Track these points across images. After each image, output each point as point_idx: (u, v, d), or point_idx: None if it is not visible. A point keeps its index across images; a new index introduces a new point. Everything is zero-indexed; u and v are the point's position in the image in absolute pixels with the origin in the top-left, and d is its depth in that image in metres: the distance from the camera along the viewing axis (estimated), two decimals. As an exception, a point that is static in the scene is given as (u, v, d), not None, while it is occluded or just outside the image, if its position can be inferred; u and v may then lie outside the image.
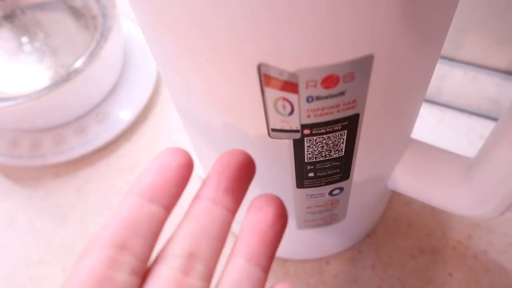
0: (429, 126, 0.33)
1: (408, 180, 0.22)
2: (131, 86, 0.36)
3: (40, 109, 0.31)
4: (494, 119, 0.33)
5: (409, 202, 0.30)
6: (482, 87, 0.33)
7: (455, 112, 0.34)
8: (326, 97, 0.14)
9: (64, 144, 0.34)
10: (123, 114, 0.35)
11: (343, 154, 0.17)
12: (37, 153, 0.34)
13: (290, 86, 0.13)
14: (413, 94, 0.16)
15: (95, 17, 0.34)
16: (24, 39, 0.35)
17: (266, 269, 0.14)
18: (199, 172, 0.33)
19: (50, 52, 0.34)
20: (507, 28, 0.31)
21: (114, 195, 0.33)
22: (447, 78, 0.34)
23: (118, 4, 0.34)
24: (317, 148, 0.16)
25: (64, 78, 0.31)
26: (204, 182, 0.15)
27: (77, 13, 0.35)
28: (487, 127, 0.32)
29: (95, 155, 0.35)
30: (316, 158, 0.17)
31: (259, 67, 0.13)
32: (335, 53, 0.12)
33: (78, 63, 0.32)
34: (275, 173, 0.18)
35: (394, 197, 0.30)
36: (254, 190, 0.20)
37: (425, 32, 0.13)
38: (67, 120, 0.34)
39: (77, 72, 0.31)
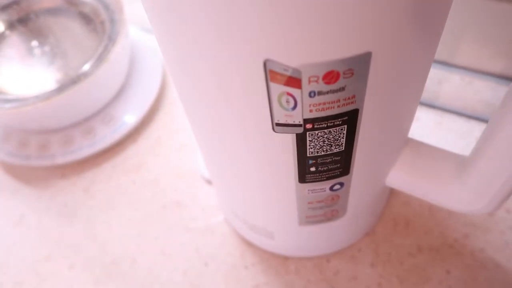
0: (428, 129, 0.34)
1: (405, 177, 0.23)
2: (137, 89, 0.37)
3: (49, 110, 0.32)
4: (490, 122, 0.33)
5: (407, 202, 0.31)
6: (478, 91, 0.34)
7: (453, 116, 0.34)
8: (327, 92, 0.14)
9: (72, 145, 0.35)
10: (129, 116, 0.36)
11: (343, 149, 0.18)
12: (46, 153, 0.35)
13: (293, 81, 0.14)
14: (410, 90, 0.17)
15: (104, 22, 0.35)
16: (34, 43, 0.36)
17: None
18: (203, 173, 0.34)
19: (60, 55, 0.35)
20: (502, 34, 0.32)
21: (120, 194, 0.34)
22: (444, 83, 0.35)
23: (126, 10, 0.35)
24: (319, 143, 0.17)
25: (73, 80, 0.32)
26: None
27: (87, 18, 0.36)
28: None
29: (101, 155, 0.36)
30: (317, 152, 0.18)
31: (265, 63, 0.14)
32: (336, 50, 0.13)
33: (87, 66, 0.33)
34: (279, 168, 0.19)
35: (393, 197, 0.31)
36: (258, 186, 0.21)
37: (421, 30, 0.14)
38: (75, 122, 0.35)
39: (85, 74, 0.32)
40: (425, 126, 0.34)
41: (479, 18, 0.32)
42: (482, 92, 0.34)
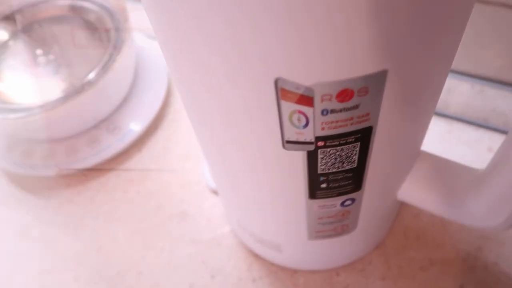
0: (437, 138, 0.33)
1: (418, 191, 0.22)
2: (142, 97, 0.37)
3: (54, 119, 0.32)
4: (501, 131, 0.33)
5: (417, 214, 0.30)
6: (489, 100, 0.33)
7: (463, 125, 0.34)
8: (340, 110, 0.14)
9: (77, 154, 0.34)
10: (134, 125, 0.36)
11: (355, 165, 0.17)
12: (50, 163, 0.34)
13: (305, 99, 0.13)
14: (424, 107, 0.17)
15: (109, 31, 0.35)
16: (39, 51, 0.35)
17: None
18: (209, 183, 0.33)
19: (64, 64, 0.34)
20: (514, 41, 0.31)
21: (125, 205, 0.34)
22: (454, 91, 0.34)
23: (131, 18, 0.35)
24: (330, 160, 0.16)
25: (78, 90, 0.32)
26: None
27: (92, 27, 0.35)
28: (494, 139, 0.33)
29: (106, 165, 0.36)
30: (329, 169, 0.17)
31: (276, 81, 0.13)
32: (351, 68, 0.13)
33: (92, 75, 0.33)
34: (288, 185, 0.19)
35: (403, 209, 0.30)
36: (267, 202, 0.21)
37: (440, 44, 0.14)
38: (80, 131, 0.35)
39: (90, 83, 0.32)
40: (434, 135, 0.33)
41: (490, 26, 0.31)
42: (493, 100, 0.33)
